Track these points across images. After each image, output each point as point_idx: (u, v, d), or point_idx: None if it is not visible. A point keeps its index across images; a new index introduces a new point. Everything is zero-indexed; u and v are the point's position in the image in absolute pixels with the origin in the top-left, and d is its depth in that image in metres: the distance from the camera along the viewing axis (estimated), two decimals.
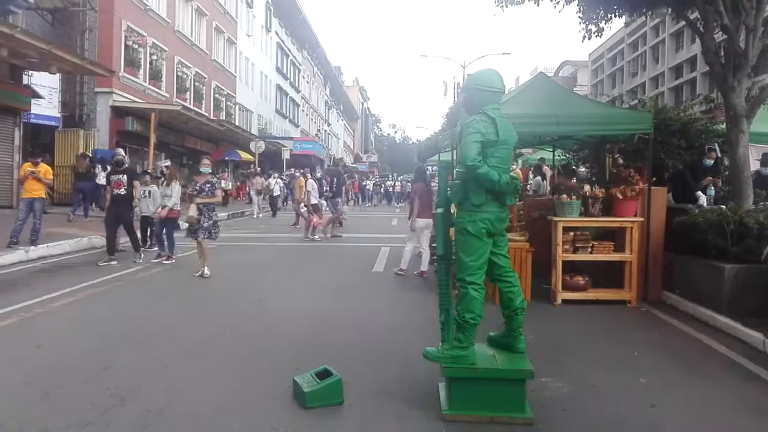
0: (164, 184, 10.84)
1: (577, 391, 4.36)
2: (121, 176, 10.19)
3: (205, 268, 8.92)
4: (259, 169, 26.27)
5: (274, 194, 23.25)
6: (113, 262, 9.94)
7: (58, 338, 5.59)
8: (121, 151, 10.95)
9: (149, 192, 12.11)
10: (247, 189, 26.89)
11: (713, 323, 6.30)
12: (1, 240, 10.38)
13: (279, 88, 46.19)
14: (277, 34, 45.08)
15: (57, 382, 4.34)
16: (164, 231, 10.68)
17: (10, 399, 4.03)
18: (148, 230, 12.20)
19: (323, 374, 4.09)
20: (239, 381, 4.46)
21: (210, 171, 9.16)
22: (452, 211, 4.30)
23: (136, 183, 10.57)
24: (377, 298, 7.82)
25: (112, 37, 21.46)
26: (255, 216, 22.18)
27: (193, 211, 8.77)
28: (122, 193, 10.15)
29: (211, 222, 8.90)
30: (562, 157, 12.76)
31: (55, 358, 4.95)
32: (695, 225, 7.08)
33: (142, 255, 10.35)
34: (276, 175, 25.41)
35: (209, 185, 8.90)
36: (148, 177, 12.83)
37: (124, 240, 12.19)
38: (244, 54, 37.46)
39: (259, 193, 22.74)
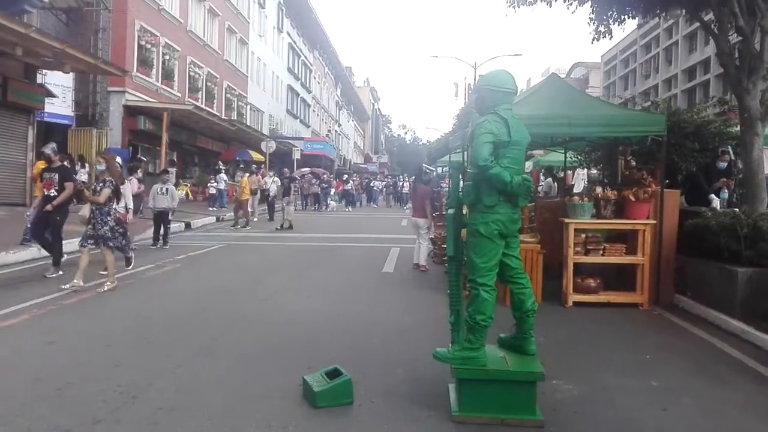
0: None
1: (588, 393, 4.34)
2: (52, 175, 8.74)
3: (108, 282, 7.76)
4: (255, 167, 24.66)
5: (271, 195, 21.32)
6: (60, 273, 8.56)
7: (69, 335, 5.62)
8: (52, 146, 9.22)
9: (167, 189, 12.33)
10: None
11: (726, 327, 6.24)
12: (14, 237, 10.48)
13: (290, 88, 46.34)
14: (288, 34, 45.22)
15: (68, 378, 4.37)
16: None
17: (21, 395, 4.05)
18: (161, 227, 12.35)
19: (333, 374, 4.09)
20: (249, 380, 4.47)
21: (104, 168, 7.93)
22: (464, 212, 4.28)
23: (68, 184, 8.72)
24: (387, 298, 7.81)
25: (125, 36, 21.63)
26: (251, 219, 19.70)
27: (85, 211, 7.98)
28: (53, 195, 8.63)
29: (107, 228, 7.75)
30: (573, 158, 12.70)
31: (66, 355, 4.98)
32: (708, 228, 7.03)
33: (61, 271, 8.60)
34: (272, 173, 23.45)
35: (101, 184, 7.80)
36: (167, 175, 13.07)
37: (137, 237, 12.30)
38: (256, 54, 37.61)
39: (254, 193, 20.65)
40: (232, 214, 18.59)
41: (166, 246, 12.23)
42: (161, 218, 12.42)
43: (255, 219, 20.53)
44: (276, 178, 21.96)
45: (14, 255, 9.69)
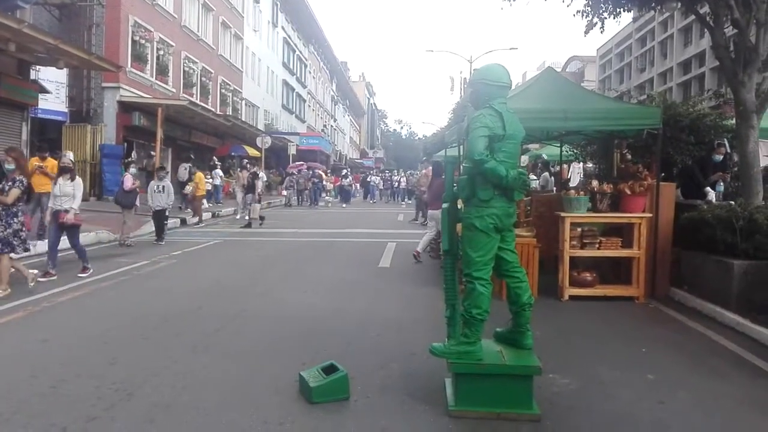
0: (67, 179, 8.49)
1: (585, 387, 4.34)
2: None
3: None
4: (246, 161, 23.23)
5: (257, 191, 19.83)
6: None
7: (65, 332, 5.60)
8: None
9: (163, 187, 12.43)
10: (231, 186, 21.87)
11: (721, 320, 6.25)
12: None
13: (285, 83, 46.19)
14: (283, 29, 45.06)
15: (63, 376, 4.35)
16: (56, 241, 8.52)
17: (17, 392, 4.04)
18: (160, 225, 12.60)
19: (329, 369, 4.08)
20: (245, 376, 4.46)
21: (14, 167, 7.32)
22: (459, 206, 4.27)
23: None
24: (383, 293, 7.80)
25: (119, 32, 21.51)
26: (239, 216, 18.93)
27: None
28: None
29: (10, 231, 7.09)
30: (568, 152, 12.69)
31: (61, 352, 4.96)
32: (704, 221, 7.03)
33: None
34: (256, 169, 20.92)
35: (10, 183, 7.20)
36: (164, 172, 13.14)
37: (132, 234, 12.27)
38: (251, 49, 37.47)
39: (243, 189, 19.09)
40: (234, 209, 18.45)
41: (161, 242, 12.23)
42: (159, 216, 12.59)
43: (238, 217, 19.28)
44: (263, 174, 20.94)
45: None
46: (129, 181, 12.25)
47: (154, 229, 12.84)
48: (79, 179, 8.70)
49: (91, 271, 8.49)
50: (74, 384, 4.21)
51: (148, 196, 12.79)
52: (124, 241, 11.82)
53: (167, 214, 12.85)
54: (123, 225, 12.02)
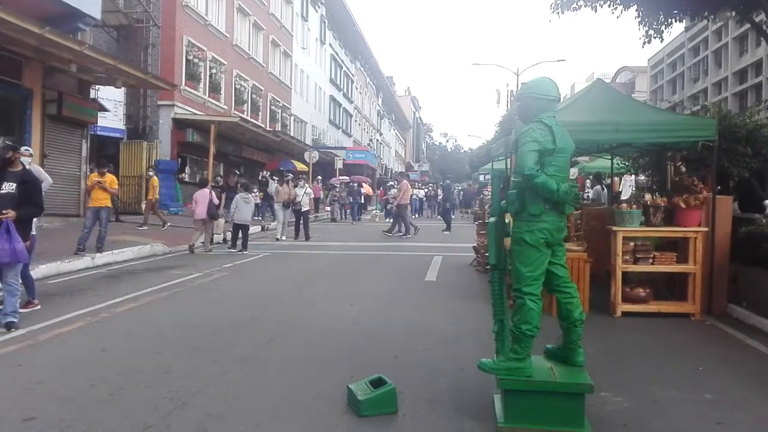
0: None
1: (639, 406, 4.23)
2: None
3: None
4: (291, 176, 19.64)
5: (302, 208, 17.42)
6: None
7: (122, 342, 5.79)
8: None
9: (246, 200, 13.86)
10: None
11: None
12: (69, 247, 10.86)
13: (332, 99, 46.83)
14: (330, 46, 45.77)
15: (121, 384, 4.50)
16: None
17: (77, 400, 4.19)
18: (239, 234, 13.81)
19: (377, 382, 4.10)
20: (295, 387, 4.51)
21: None
22: (507, 221, 4.25)
23: None
24: (430, 306, 7.78)
25: (173, 51, 22.29)
26: (280, 237, 17.09)
27: None
28: None
29: None
30: (620, 164, 12.44)
31: (119, 361, 5.12)
32: (763, 235, 6.80)
33: None
34: (303, 182, 18.91)
35: None
36: (256, 190, 14.10)
37: (178, 248, 12.60)
38: (299, 66, 38.18)
39: (286, 206, 17.28)
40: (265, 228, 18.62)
41: (245, 251, 13.57)
42: (237, 228, 13.89)
43: (284, 238, 17.13)
44: (308, 188, 18.72)
45: (69, 264, 10.03)
46: (214, 197, 13.58)
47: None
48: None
49: (38, 306, 7.02)
50: (131, 392, 4.34)
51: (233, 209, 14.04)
52: (209, 249, 13.25)
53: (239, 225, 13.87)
54: (207, 233, 13.44)
